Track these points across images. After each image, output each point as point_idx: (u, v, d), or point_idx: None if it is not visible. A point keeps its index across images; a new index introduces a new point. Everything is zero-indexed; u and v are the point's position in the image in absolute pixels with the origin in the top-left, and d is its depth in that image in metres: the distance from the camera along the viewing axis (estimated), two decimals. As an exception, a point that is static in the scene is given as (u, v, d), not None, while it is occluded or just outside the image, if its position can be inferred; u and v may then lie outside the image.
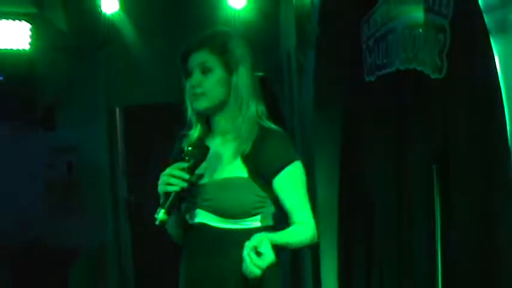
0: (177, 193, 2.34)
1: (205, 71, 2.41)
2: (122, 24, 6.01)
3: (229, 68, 2.41)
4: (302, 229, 2.43)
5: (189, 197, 2.43)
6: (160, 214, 2.31)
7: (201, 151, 2.39)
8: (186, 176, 2.34)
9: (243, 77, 2.41)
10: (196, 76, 2.42)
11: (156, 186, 2.39)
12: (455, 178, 2.97)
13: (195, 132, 2.51)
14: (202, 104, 2.43)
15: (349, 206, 4.50)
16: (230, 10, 5.68)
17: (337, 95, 4.57)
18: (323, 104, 4.64)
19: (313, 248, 4.73)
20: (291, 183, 2.42)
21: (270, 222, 2.45)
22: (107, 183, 6.72)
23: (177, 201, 2.37)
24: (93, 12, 5.86)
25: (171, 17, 5.75)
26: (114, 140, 6.71)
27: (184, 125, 2.57)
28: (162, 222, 2.32)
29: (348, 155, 4.55)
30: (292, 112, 5.53)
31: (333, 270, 4.64)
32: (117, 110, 6.67)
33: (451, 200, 3.00)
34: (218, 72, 2.41)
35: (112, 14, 5.90)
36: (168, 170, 2.36)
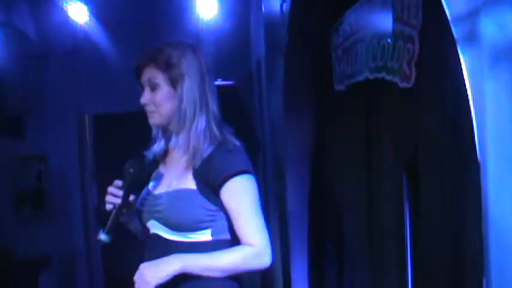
0: (116, 211, 2.36)
1: (153, 87, 2.39)
2: (92, 32, 5.99)
3: (175, 83, 2.37)
4: (237, 251, 2.33)
5: (145, 207, 2.45)
6: (101, 234, 2.33)
7: (135, 171, 2.40)
8: (120, 193, 2.37)
9: (188, 91, 2.36)
10: (146, 93, 2.42)
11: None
12: (425, 185, 3.00)
13: (158, 146, 2.52)
14: (155, 120, 2.44)
15: (319, 214, 4.52)
16: (200, 19, 5.68)
17: (306, 103, 4.59)
18: (293, 112, 4.66)
19: (284, 257, 4.76)
20: (234, 196, 2.32)
21: (226, 236, 2.38)
22: (77, 191, 6.68)
23: (118, 219, 2.38)
24: (63, 20, 5.83)
25: (142, 26, 5.73)
26: (84, 147, 6.68)
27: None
28: (103, 242, 2.32)
29: (318, 162, 4.57)
30: (263, 120, 5.54)
31: (304, 281, 4.67)
32: (87, 117, 6.65)
33: (420, 206, 3.03)
34: (165, 88, 2.38)
35: (82, 22, 5.88)
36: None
